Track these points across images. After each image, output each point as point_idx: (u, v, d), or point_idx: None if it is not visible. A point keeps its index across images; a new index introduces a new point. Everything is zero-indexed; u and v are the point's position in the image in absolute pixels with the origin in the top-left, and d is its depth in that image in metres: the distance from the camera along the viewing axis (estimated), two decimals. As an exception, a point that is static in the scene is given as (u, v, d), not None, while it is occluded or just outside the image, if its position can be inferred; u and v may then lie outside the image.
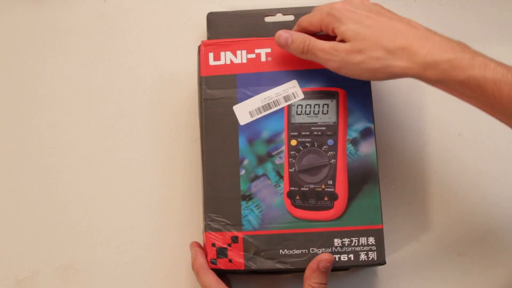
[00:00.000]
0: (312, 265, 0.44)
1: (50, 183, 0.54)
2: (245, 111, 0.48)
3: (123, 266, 0.52)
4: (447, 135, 0.54)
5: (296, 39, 0.46)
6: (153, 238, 0.52)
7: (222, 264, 0.45)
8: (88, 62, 0.58)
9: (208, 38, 0.52)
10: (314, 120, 0.47)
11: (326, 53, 0.44)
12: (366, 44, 0.42)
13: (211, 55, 0.48)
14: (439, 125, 0.54)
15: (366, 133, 0.47)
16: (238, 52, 0.48)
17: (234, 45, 0.48)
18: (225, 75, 0.48)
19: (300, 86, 0.48)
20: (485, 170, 0.54)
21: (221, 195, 0.46)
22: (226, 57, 0.48)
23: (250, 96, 0.48)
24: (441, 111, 0.55)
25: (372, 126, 0.47)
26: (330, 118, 0.47)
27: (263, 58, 0.48)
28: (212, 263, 0.45)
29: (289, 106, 0.47)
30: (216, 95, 0.48)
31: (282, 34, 0.47)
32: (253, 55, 0.48)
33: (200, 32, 0.58)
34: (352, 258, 0.45)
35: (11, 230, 0.53)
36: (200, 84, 0.49)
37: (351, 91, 0.47)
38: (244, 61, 0.48)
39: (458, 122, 0.55)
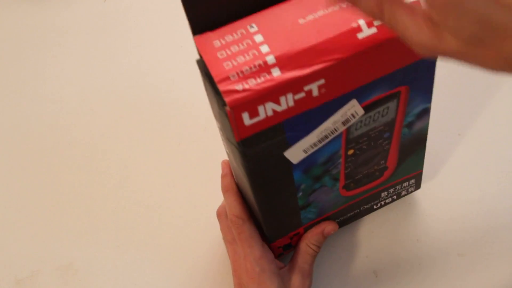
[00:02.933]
0: (316, 229, 0.46)
1: (50, 183, 0.54)
2: (298, 151, 0.39)
3: (123, 266, 0.52)
4: (447, 135, 0.54)
5: None
6: (153, 238, 0.52)
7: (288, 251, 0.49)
8: (88, 62, 0.58)
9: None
10: (373, 125, 0.41)
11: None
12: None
13: (245, 115, 0.33)
14: (439, 125, 0.54)
15: (423, 113, 0.42)
16: (282, 99, 0.34)
17: (275, 92, 0.33)
18: (268, 128, 0.35)
19: (360, 102, 0.38)
20: (485, 170, 0.54)
21: (281, 220, 0.45)
22: (267, 109, 0.34)
23: (303, 137, 0.38)
24: (441, 111, 0.55)
25: (429, 105, 0.42)
26: (389, 117, 0.41)
27: (315, 93, 0.35)
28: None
29: (347, 128, 0.39)
30: (259, 151, 0.37)
31: None
32: (302, 95, 0.34)
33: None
34: (395, 198, 0.50)
35: (11, 230, 0.53)
36: (233, 145, 0.36)
37: (414, 82, 0.39)
38: (291, 104, 0.34)
39: (458, 122, 0.55)
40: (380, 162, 0.45)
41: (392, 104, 0.40)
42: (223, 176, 0.46)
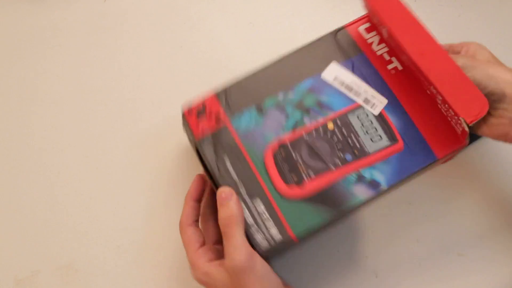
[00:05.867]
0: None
1: (50, 183, 0.54)
2: (335, 72, 0.47)
3: (123, 266, 0.52)
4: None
5: None
6: (153, 238, 0.52)
7: None
8: (88, 62, 0.58)
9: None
10: (364, 139, 0.46)
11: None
12: None
13: None
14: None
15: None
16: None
17: None
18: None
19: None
20: (485, 169, 0.54)
21: None
22: None
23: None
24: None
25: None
26: (375, 144, 0.46)
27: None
28: None
29: (358, 108, 0.47)
30: None
31: None
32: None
33: (200, 31, 0.58)
34: None
35: (11, 230, 0.53)
36: None
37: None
38: None
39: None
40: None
41: (383, 143, 0.46)
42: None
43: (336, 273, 0.51)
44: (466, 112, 0.42)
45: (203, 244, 0.45)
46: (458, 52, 0.49)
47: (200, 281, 0.44)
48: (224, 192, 0.43)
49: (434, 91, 0.44)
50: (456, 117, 0.43)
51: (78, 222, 0.53)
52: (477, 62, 0.45)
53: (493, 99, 0.43)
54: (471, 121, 0.42)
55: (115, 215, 0.53)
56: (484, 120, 0.45)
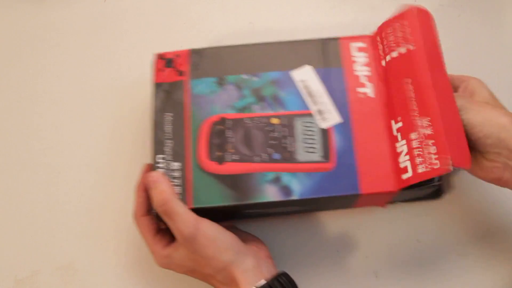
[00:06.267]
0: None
1: (50, 183, 0.54)
2: (305, 75, 0.48)
3: (123, 267, 0.52)
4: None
5: None
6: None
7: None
8: (88, 62, 0.58)
9: None
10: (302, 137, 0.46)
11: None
12: None
13: None
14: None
15: None
16: None
17: None
18: None
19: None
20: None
21: None
22: None
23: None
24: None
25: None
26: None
27: None
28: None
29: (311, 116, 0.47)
30: None
31: None
32: None
33: (200, 31, 0.58)
34: None
35: (11, 230, 0.53)
36: None
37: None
38: None
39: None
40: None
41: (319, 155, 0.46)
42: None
43: (336, 273, 0.51)
44: (454, 155, 0.41)
45: (158, 231, 0.46)
46: (457, 87, 0.49)
47: (164, 266, 0.45)
48: (151, 176, 0.44)
49: (425, 123, 0.43)
50: (422, 158, 0.42)
51: (78, 222, 0.53)
52: (475, 104, 0.44)
53: (488, 143, 0.43)
54: (457, 165, 0.41)
55: (115, 215, 0.53)
56: (478, 163, 0.45)
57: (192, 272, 0.45)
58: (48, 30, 0.59)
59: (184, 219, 0.42)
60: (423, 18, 0.47)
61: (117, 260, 0.52)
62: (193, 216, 0.43)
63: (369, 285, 0.51)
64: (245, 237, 0.46)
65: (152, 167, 0.46)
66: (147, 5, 0.60)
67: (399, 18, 0.47)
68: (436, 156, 0.41)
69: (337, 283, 0.51)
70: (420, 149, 0.42)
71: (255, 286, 0.42)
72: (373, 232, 0.52)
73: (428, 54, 0.45)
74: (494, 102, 0.47)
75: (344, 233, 0.52)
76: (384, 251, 0.52)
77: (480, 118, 0.43)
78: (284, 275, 0.44)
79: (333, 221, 0.52)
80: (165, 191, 0.43)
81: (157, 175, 0.44)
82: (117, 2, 0.60)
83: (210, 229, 0.43)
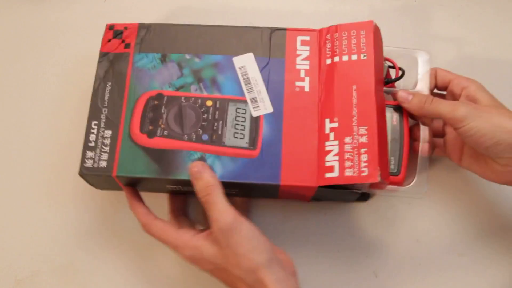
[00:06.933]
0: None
1: (51, 183, 0.54)
2: (246, 62, 0.49)
3: (123, 266, 0.52)
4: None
5: (418, 94, 0.48)
6: (153, 238, 0.52)
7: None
8: (88, 62, 0.58)
9: None
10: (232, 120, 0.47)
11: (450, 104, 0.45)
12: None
13: None
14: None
15: None
16: None
17: None
18: None
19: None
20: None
21: None
22: None
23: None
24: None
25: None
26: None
27: None
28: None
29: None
30: None
31: (402, 93, 0.48)
32: None
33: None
34: None
35: (11, 230, 0.53)
36: None
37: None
38: None
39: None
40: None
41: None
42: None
43: (336, 273, 0.51)
44: (381, 168, 0.43)
45: (180, 227, 0.46)
46: (457, 95, 0.49)
47: (189, 258, 0.44)
48: (196, 166, 0.44)
49: (362, 131, 0.44)
50: (351, 163, 0.43)
51: (78, 222, 0.53)
52: (481, 110, 0.45)
53: (500, 149, 0.43)
54: (383, 178, 0.43)
55: (115, 215, 0.53)
56: (489, 168, 0.46)
57: (220, 271, 0.43)
58: (48, 30, 0.59)
59: (224, 210, 0.42)
60: (377, 33, 0.48)
61: (117, 260, 0.52)
62: (234, 211, 0.42)
63: (369, 285, 0.51)
64: (276, 249, 0.44)
65: (129, 187, 0.47)
66: (146, 5, 0.60)
67: (358, 26, 0.48)
68: (366, 165, 0.43)
69: (337, 283, 0.51)
70: (352, 154, 0.44)
71: None
72: (373, 232, 0.52)
73: (376, 68, 0.46)
74: (497, 105, 0.47)
75: (344, 233, 0.52)
76: (384, 251, 0.52)
77: (489, 125, 0.43)
78: None
79: (333, 221, 0.52)
80: (209, 181, 0.43)
81: (200, 165, 0.44)
82: (117, 2, 0.60)
83: (248, 228, 0.42)
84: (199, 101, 0.47)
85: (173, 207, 0.50)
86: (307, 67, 0.48)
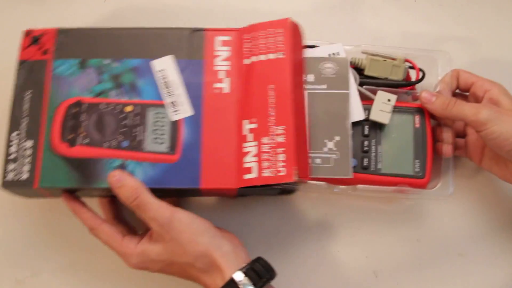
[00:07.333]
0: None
1: None
2: (165, 65, 0.48)
3: (123, 267, 0.52)
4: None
5: (441, 96, 0.48)
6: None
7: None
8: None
9: None
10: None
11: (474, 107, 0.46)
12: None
13: None
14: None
15: None
16: None
17: None
18: None
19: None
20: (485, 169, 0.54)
21: None
22: None
23: None
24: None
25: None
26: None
27: None
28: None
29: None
30: None
31: (425, 94, 0.48)
32: None
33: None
34: None
35: (11, 230, 0.53)
36: None
37: None
38: None
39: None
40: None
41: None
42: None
43: (336, 273, 0.51)
44: (299, 167, 0.43)
45: (124, 235, 0.46)
46: (480, 97, 0.49)
47: (138, 266, 0.45)
48: (114, 175, 0.44)
49: (279, 131, 0.44)
50: (269, 163, 0.43)
51: (78, 222, 0.53)
52: (503, 114, 0.45)
53: None
54: (301, 177, 0.43)
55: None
56: (510, 170, 0.47)
57: (170, 266, 0.44)
58: (48, 30, 0.59)
59: (158, 207, 0.43)
60: (295, 31, 0.48)
61: (117, 260, 0.52)
62: (166, 204, 0.43)
63: (369, 285, 0.51)
64: (217, 228, 0.46)
65: (68, 193, 0.47)
66: (146, 5, 0.60)
67: (275, 24, 0.47)
68: (284, 164, 0.43)
69: (337, 282, 0.51)
70: (269, 154, 0.44)
71: (238, 269, 0.42)
72: (373, 232, 0.52)
73: (294, 66, 0.46)
74: None
75: (344, 233, 0.52)
76: (384, 251, 0.52)
77: None
78: (261, 259, 0.44)
79: (333, 221, 0.52)
80: (133, 186, 0.43)
81: (118, 173, 0.44)
82: (117, 2, 0.60)
83: (184, 215, 0.43)
84: (119, 107, 0.47)
85: (110, 216, 0.50)
86: (228, 67, 0.47)
